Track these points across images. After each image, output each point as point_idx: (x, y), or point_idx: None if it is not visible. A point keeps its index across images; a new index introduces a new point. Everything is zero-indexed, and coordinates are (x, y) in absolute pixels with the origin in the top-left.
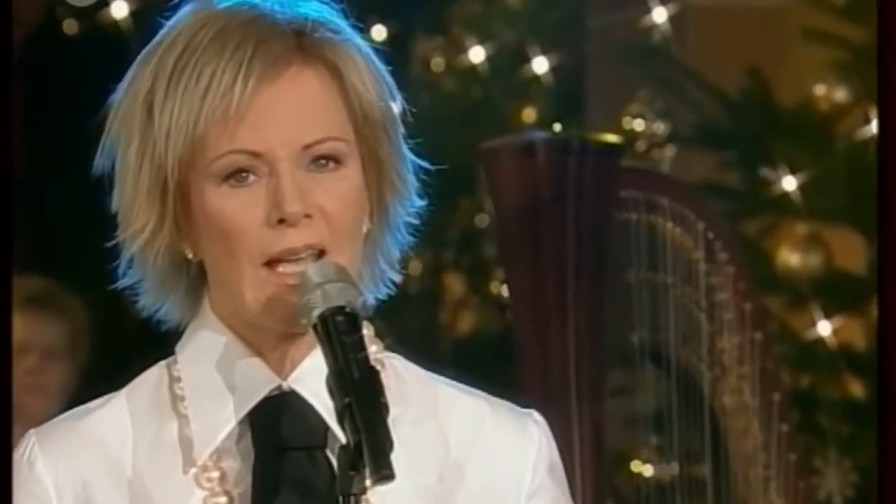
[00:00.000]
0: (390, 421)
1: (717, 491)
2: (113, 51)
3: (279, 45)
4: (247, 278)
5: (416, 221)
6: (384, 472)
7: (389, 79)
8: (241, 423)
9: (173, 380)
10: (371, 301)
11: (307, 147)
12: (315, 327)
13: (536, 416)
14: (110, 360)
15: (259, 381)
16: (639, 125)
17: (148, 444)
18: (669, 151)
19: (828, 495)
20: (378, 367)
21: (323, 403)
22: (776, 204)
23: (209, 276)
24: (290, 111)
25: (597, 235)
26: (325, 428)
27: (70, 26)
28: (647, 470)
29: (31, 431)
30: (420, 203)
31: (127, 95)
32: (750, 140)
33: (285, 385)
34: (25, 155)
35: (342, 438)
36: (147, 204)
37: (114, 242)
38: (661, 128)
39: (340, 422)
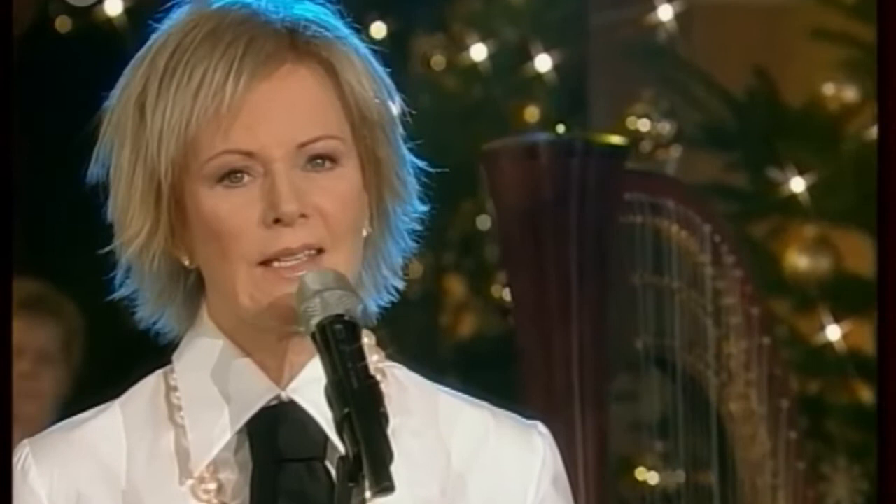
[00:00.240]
0: (390, 431)
1: (723, 499)
2: (107, 48)
3: (272, 42)
4: (242, 279)
5: (418, 227)
6: (384, 484)
7: (387, 79)
8: (239, 433)
9: (170, 389)
10: (373, 308)
11: (302, 146)
12: (313, 336)
13: (541, 427)
14: (105, 365)
15: (257, 390)
16: (643, 125)
17: (144, 455)
18: (675, 152)
19: (836, 503)
20: (379, 377)
21: (322, 414)
22: (784, 206)
23: (206, 280)
24: (284, 109)
25: (601, 239)
26: (325, 439)
27: (63, 24)
28: (653, 477)
29: (25, 441)
30: (422, 208)
31: (119, 100)
32: (757, 140)
33: (284, 395)
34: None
35: (342, 449)
36: (141, 208)
37: (109, 249)
38: (666, 128)
39: (339, 433)
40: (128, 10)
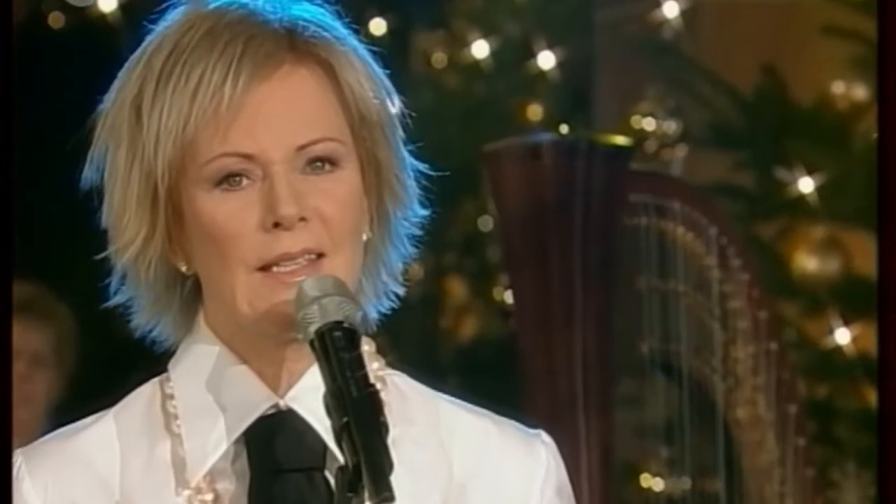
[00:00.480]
0: (391, 440)
1: None
2: (101, 45)
3: (270, 42)
4: (241, 284)
5: (418, 231)
6: (384, 495)
7: (386, 80)
8: (236, 442)
9: (166, 397)
10: (373, 314)
11: (301, 148)
12: (312, 343)
13: (545, 436)
14: (98, 369)
15: (255, 398)
16: (649, 124)
17: (139, 465)
18: (680, 152)
19: None
20: (379, 385)
21: (322, 423)
22: (792, 206)
23: (203, 286)
24: (283, 111)
25: (605, 241)
26: (324, 448)
27: (56, 20)
28: (658, 484)
29: (18, 451)
30: (422, 212)
31: (115, 103)
32: (765, 140)
33: (282, 403)
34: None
35: (341, 459)
36: (137, 213)
37: (104, 255)
38: (671, 127)
39: (338, 442)
40: (122, 6)
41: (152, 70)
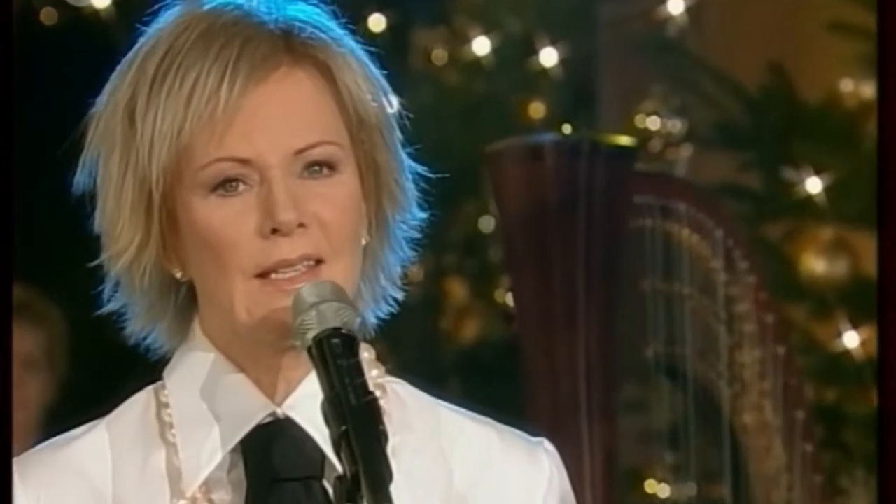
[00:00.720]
0: (390, 449)
1: None
2: (94, 42)
3: (267, 45)
4: (238, 291)
5: (417, 235)
6: None
7: (384, 82)
8: (232, 451)
9: (161, 406)
10: (372, 320)
11: (299, 152)
12: (309, 350)
13: (547, 444)
14: (90, 372)
15: (252, 407)
16: (653, 123)
17: (134, 474)
18: (685, 151)
19: None
20: (378, 393)
21: (319, 431)
22: (799, 207)
23: (199, 294)
24: (280, 114)
25: (609, 243)
26: (322, 457)
27: (49, 15)
28: (663, 490)
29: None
30: (421, 215)
31: (107, 107)
32: (771, 139)
33: (280, 412)
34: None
35: (339, 468)
36: (131, 220)
37: (97, 262)
38: (676, 126)
39: (337, 451)
40: (116, 2)
41: (146, 73)
